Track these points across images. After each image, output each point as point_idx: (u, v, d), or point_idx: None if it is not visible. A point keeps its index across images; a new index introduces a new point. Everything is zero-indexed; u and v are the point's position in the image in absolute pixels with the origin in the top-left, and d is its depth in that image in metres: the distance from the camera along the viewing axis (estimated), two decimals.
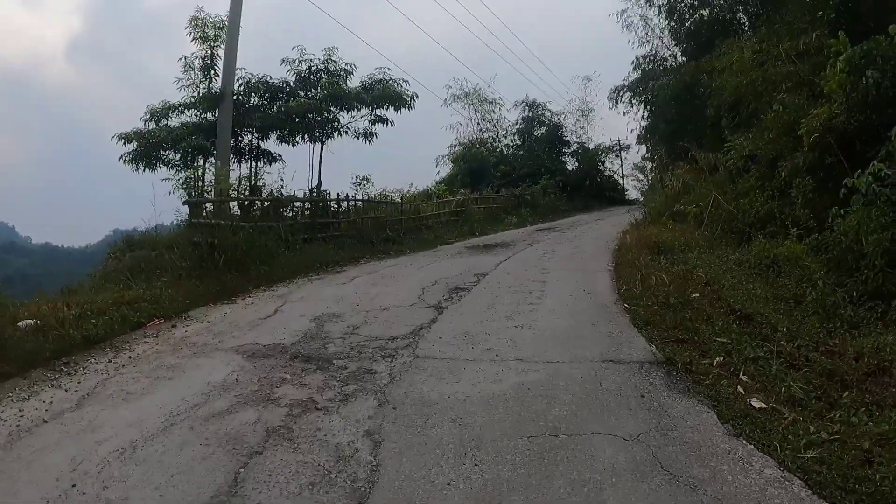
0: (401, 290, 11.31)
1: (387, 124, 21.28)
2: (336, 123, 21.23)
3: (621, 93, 41.05)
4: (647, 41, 39.10)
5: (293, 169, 23.55)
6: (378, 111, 21.13)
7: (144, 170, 19.81)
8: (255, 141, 21.85)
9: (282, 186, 18.97)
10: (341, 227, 19.46)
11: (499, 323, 8.67)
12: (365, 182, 21.59)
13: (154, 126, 20.24)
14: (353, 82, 20.66)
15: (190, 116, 20.68)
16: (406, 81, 20.82)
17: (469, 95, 42.15)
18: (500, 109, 43.06)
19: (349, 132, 21.71)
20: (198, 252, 13.53)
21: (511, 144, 43.04)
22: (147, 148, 19.74)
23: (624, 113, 47.17)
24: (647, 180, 46.47)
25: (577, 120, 45.03)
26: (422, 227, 23.72)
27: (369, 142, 21.61)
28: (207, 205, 15.17)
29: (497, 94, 45.08)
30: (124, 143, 19.57)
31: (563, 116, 44.25)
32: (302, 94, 19.99)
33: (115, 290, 11.50)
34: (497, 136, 42.67)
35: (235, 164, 21.59)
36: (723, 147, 20.09)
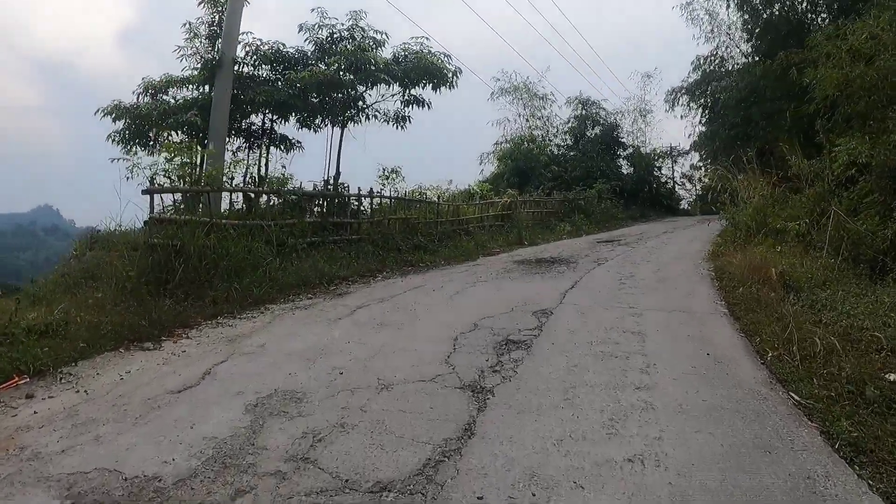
0: (419, 341, 7.00)
1: (423, 106, 16.98)
2: (360, 103, 16.96)
3: (679, 95, 37.86)
4: (713, 37, 35.03)
5: (312, 157, 19.30)
6: (412, 90, 16.79)
7: (135, 151, 15.78)
8: (268, 123, 17.75)
9: (284, 175, 14.83)
10: (361, 228, 15.28)
11: (594, 449, 4.17)
12: (394, 176, 17.28)
13: (148, 101, 16.20)
14: (385, 54, 16.37)
15: (191, 91, 16.66)
16: (448, 56, 16.48)
17: (518, 90, 37.78)
18: (550, 106, 38.66)
19: (378, 115, 17.47)
20: (153, 258, 9.48)
21: (562, 144, 38.64)
22: (139, 126, 15.75)
23: (681, 117, 43.10)
24: (697, 189, 42.66)
25: (635, 120, 40.50)
26: (461, 233, 19.48)
27: (401, 127, 17.39)
28: (169, 196, 10.95)
29: (548, 90, 40.61)
30: (113, 120, 15.59)
31: (619, 116, 39.77)
32: (323, 66, 15.68)
33: (29, 308, 8.22)
34: (547, 135, 38.33)
35: (244, 150, 17.64)
36: (819, 153, 16.97)
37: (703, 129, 38.95)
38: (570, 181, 31.81)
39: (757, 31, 27.16)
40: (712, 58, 36.30)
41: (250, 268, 10.36)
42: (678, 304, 9.12)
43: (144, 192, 10.37)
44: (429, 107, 16.67)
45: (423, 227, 17.46)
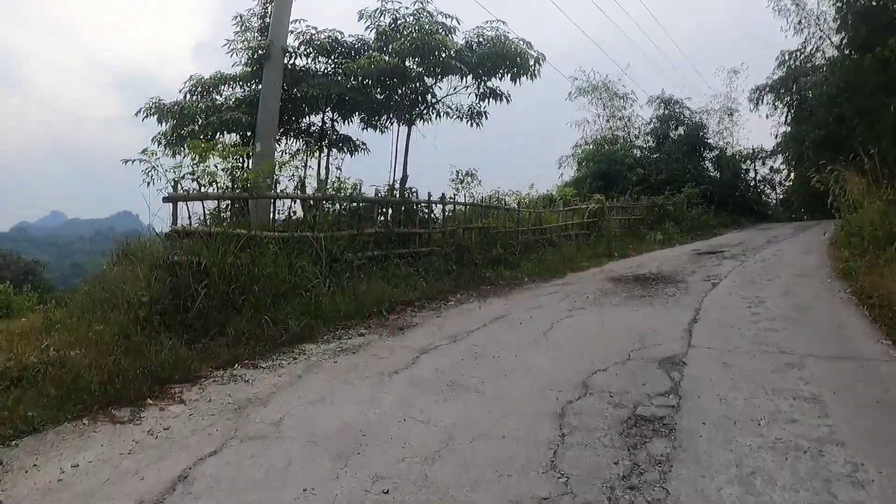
0: (508, 418, 4.61)
1: (500, 100, 14.40)
2: (429, 97, 14.71)
3: (763, 93, 35.05)
4: (802, 29, 31.92)
5: (378, 160, 17.13)
6: (488, 82, 14.36)
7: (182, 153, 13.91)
8: (329, 123, 15.74)
9: (341, 178, 12.66)
10: (431, 239, 13.10)
11: None
12: (469, 179, 14.82)
13: (193, 99, 14.39)
14: (456, 41, 13.98)
15: (242, 89, 14.77)
16: (528, 43, 14.02)
17: (597, 89, 34.81)
18: (631, 106, 35.53)
19: (449, 111, 15.18)
20: (171, 280, 7.47)
21: (644, 146, 35.50)
22: (184, 126, 13.94)
23: (767, 116, 39.54)
24: (778, 193, 39.42)
25: (720, 120, 37.05)
26: (544, 243, 17.08)
27: (476, 124, 14.95)
28: (195, 204, 8.86)
29: (629, 89, 37.60)
30: (158, 121, 13.78)
31: (705, 115, 36.33)
32: (385, 56, 13.45)
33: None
34: (628, 136, 35.30)
35: (302, 153, 15.65)
36: None
37: (788, 129, 36.45)
38: (656, 185, 28.92)
39: (850, 20, 23.66)
40: (798, 52, 33.67)
41: (291, 292, 8.26)
42: (838, 347, 6.46)
43: (166, 199, 8.39)
44: (507, 100, 14.22)
45: (502, 237, 15.14)
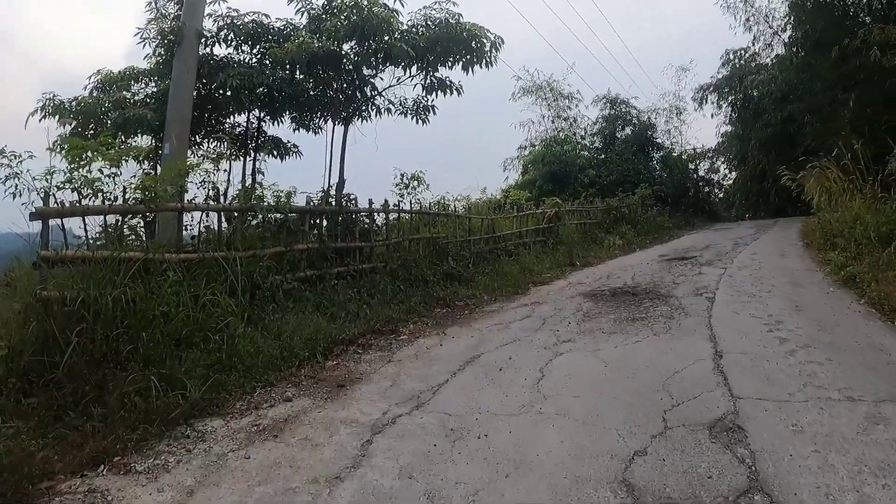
0: None
1: (450, 92, 12.49)
2: (368, 89, 12.83)
3: (706, 92, 34.86)
4: (751, 26, 31.25)
5: (312, 166, 15.09)
6: (436, 72, 12.44)
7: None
8: (256, 122, 13.76)
9: (262, 185, 10.44)
10: (374, 254, 11.25)
11: None
12: (415, 184, 12.71)
13: (97, 96, 12.20)
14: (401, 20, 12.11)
15: (156, 84, 12.62)
16: (484, 28, 12.15)
17: (541, 89, 33.28)
18: (577, 106, 34.11)
19: (392, 106, 13.31)
20: (39, 325, 5.53)
21: (590, 146, 34.25)
22: (86, 127, 11.75)
23: (712, 115, 39.15)
24: (718, 193, 39.16)
25: (668, 119, 36.06)
26: (498, 253, 15.38)
27: (423, 120, 13.04)
28: (67, 221, 6.76)
29: (574, 88, 36.36)
30: (59, 123, 11.46)
31: (653, 114, 35.23)
32: (317, 43, 11.46)
33: None
34: (574, 137, 33.67)
35: (225, 156, 13.62)
36: None
37: (730, 128, 36.69)
38: (608, 186, 27.57)
39: (805, 15, 22.83)
40: (743, 51, 33.46)
41: (196, 336, 6.27)
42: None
43: (33, 216, 6.33)
44: (459, 92, 12.41)
45: (453, 248, 13.37)
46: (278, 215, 9.43)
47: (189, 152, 11.62)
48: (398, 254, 11.61)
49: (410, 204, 12.66)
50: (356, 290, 9.68)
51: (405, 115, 13.09)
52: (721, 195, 39.01)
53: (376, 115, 13.46)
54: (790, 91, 26.97)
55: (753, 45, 30.84)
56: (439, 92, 12.50)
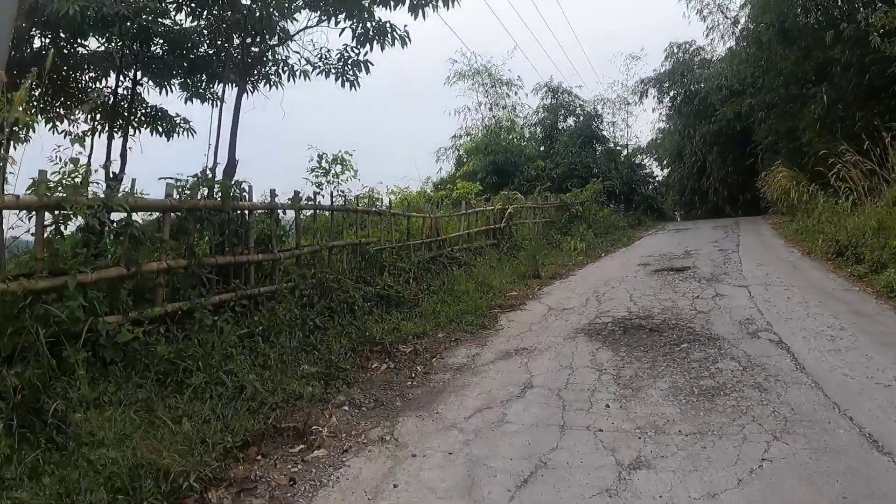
0: None
1: (390, 43, 8.73)
2: (272, 40, 9.11)
3: (647, 86, 32.99)
4: (705, 16, 28.44)
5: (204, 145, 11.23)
6: (370, 19, 8.83)
7: None
8: (128, 86, 9.99)
9: (75, 164, 6.43)
10: (277, 272, 7.62)
11: None
12: (340, 169, 9.30)
13: None
14: None
15: None
16: None
17: (479, 74, 29.89)
18: (516, 94, 31.02)
19: (311, 65, 9.63)
20: None
21: (529, 136, 31.32)
22: None
23: (653, 110, 37.19)
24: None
25: (616, 111, 33.45)
26: (444, 262, 11.91)
27: (352, 84, 9.35)
28: None
29: (514, 74, 33.08)
30: None
31: (600, 104, 32.50)
32: None
33: None
34: (518, 124, 30.75)
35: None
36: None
37: (665, 125, 35.69)
38: (557, 180, 24.44)
39: (771, 1, 20.31)
40: (688, 45, 31.81)
41: None
42: None
43: None
44: (404, 43, 8.75)
45: (388, 257, 9.88)
46: (121, 215, 5.68)
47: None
48: (313, 269, 8.02)
49: (332, 197, 9.01)
50: (249, 329, 6.13)
51: (327, 76, 9.43)
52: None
53: (289, 78, 9.81)
54: (741, 86, 25.30)
55: (708, 35, 28.35)
56: (376, 43, 8.86)
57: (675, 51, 31.98)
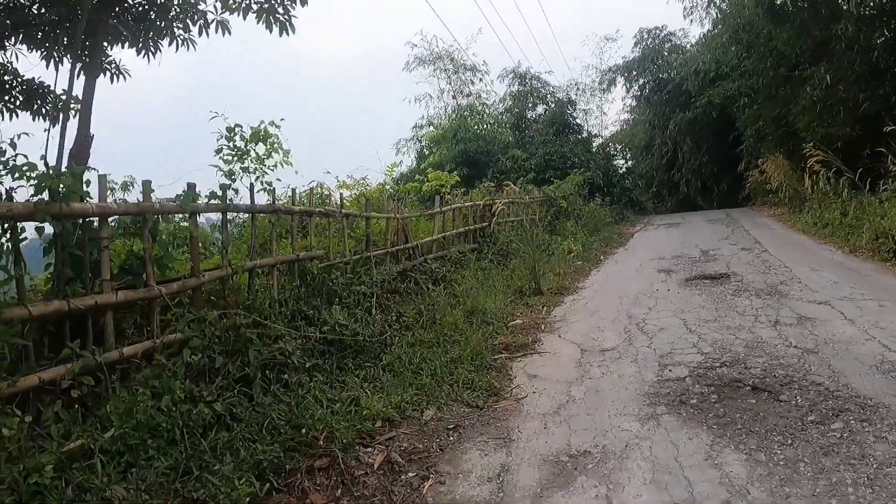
0: None
1: None
2: None
3: (616, 74, 31.01)
4: None
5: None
6: None
7: None
8: None
9: None
10: (154, 318, 4.48)
11: None
12: (265, 150, 5.88)
13: None
14: None
15: None
16: None
17: (441, 58, 26.93)
18: (481, 80, 28.01)
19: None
20: None
21: (502, 122, 27.81)
22: None
23: (622, 99, 35.14)
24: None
25: (590, 97, 30.91)
26: (416, 276, 8.85)
27: (283, 27, 6.20)
28: None
29: (479, 59, 30.03)
30: None
31: (573, 90, 29.79)
32: None
33: None
34: (490, 108, 27.69)
35: None
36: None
37: (630, 116, 34.54)
38: (534, 172, 21.48)
39: None
40: (658, 30, 29.92)
41: None
42: None
43: None
44: None
45: (340, 278, 6.76)
46: None
47: None
48: (221, 310, 4.92)
49: (252, 192, 5.81)
50: (79, 444, 3.13)
51: (244, 15, 6.30)
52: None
53: (200, 32, 6.71)
54: (722, 70, 23.55)
55: (687, 17, 25.73)
56: None
57: (645, 37, 29.92)
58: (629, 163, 34.18)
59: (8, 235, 3.65)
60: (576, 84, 29.92)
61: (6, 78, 8.07)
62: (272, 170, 5.93)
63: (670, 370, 5.25)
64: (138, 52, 7.25)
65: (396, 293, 7.98)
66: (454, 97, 27.53)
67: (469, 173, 19.19)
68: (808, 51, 17.21)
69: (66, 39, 6.96)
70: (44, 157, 4.36)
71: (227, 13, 6.67)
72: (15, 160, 3.87)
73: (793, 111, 18.21)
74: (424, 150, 24.95)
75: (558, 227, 15.63)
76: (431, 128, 25.95)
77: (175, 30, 7.26)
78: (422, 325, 6.75)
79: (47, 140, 5.18)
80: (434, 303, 7.57)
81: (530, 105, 28.77)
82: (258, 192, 5.78)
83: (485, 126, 23.23)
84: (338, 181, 8.88)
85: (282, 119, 5.74)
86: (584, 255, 13.14)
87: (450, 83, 27.50)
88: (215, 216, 5.53)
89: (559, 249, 13.16)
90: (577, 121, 28.98)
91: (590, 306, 8.33)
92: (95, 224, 4.21)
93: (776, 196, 19.62)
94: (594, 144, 29.89)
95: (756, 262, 10.72)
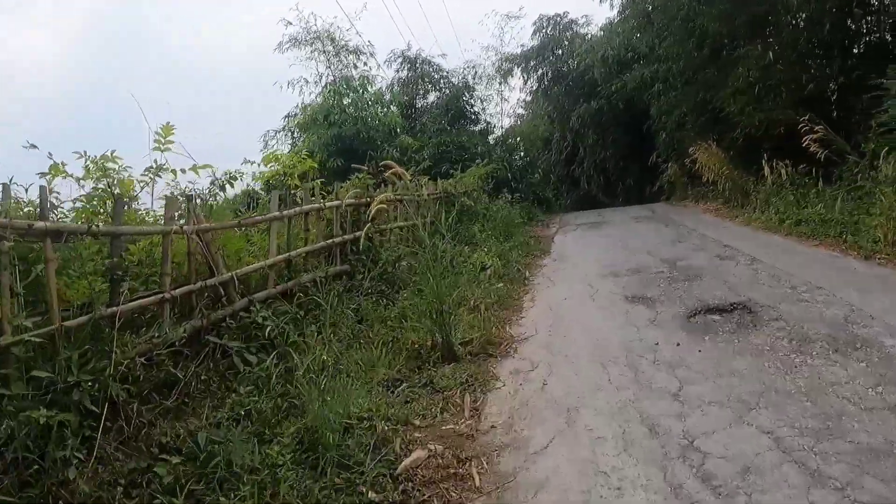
0: None
1: None
2: None
3: (513, 64, 27.64)
4: None
5: None
6: None
7: None
8: None
9: None
10: None
11: None
12: None
13: None
14: None
15: None
16: None
17: (320, 39, 22.16)
18: (366, 64, 23.19)
19: None
20: None
21: (381, 104, 23.54)
22: None
23: (519, 89, 32.13)
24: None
25: (489, 83, 27.15)
26: (227, 343, 4.57)
27: None
28: None
29: (362, 40, 25.40)
30: None
31: (471, 74, 25.81)
32: None
33: None
34: (364, 84, 22.60)
35: None
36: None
37: (525, 112, 32.16)
38: (426, 164, 17.39)
39: None
40: (559, 17, 26.80)
41: None
42: None
43: None
44: None
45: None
46: None
47: None
48: None
49: None
50: None
51: None
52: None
53: None
54: (633, 55, 21.62)
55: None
56: None
57: (545, 24, 26.76)
58: (527, 158, 30.87)
59: None
60: (473, 67, 25.91)
61: None
62: None
63: None
64: None
65: (166, 387, 3.70)
66: (335, 81, 22.94)
67: (344, 165, 14.68)
68: (743, 27, 14.82)
69: None
70: None
71: None
72: None
73: (721, 95, 15.53)
74: (299, 134, 20.25)
75: (463, 233, 11.59)
76: (324, 95, 21.04)
77: None
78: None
79: None
80: (257, 410, 3.43)
81: (421, 93, 24.69)
82: None
83: (366, 106, 18.67)
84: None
85: None
86: (504, 271, 9.17)
87: (329, 67, 22.84)
88: None
89: (469, 265, 9.15)
90: (475, 108, 25.08)
91: (554, 394, 4.33)
92: None
93: (709, 188, 16.62)
94: (494, 136, 26.01)
95: (763, 278, 7.18)
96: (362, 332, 5.62)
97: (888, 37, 13.77)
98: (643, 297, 6.79)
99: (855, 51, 14.05)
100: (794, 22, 14.12)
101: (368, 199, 7.96)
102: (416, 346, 5.22)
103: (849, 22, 13.60)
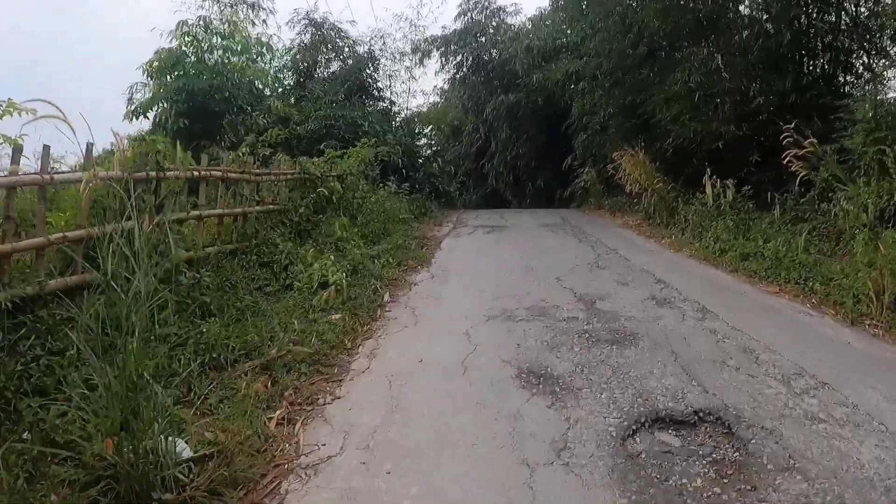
0: None
1: None
2: None
3: (432, 46, 24.85)
4: None
5: None
6: None
7: None
8: None
9: None
10: None
11: None
12: None
13: None
14: None
15: None
16: None
17: None
18: (264, 22, 19.42)
19: None
20: None
21: (281, 83, 20.49)
22: None
23: (436, 73, 30.78)
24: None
25: (399, 58, 23.83)
26: None
27: None
28: None
29: None
30: None
31: (378, 44, 22.36)
32: None
33: None
34: (235, 29, 18.70)
35: None
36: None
37: (440, 99, 30.08)
38: (305, 140, 14.20)
39: None
40: (486, 2, 24.50)
41: None
42: None
43: None
44: None
45: None
46: None
47: None
48: None
49: None
50: None
51: None
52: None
53: None
54: (556, 48, 20.30)
55: None
56: None
57: (471, 8, 24.32)
58: (435, 147, 28.07)
59: None
60: (382, 37, 22.56)
61: None
62: None
63: None
64: None
65: None
66: (224, 40, 19.16)
67: (193, 128, 11.20)
68: (688, 27, 13.00)
69: None
70: None
71: None
72: None
73: (654, 100, 13.55)
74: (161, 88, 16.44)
75: (320, 226, 8.57)
76: (174, 42, 17.09)
77: None
78: None
79: None
80: None
81: (322, 62, 21.29)
82: None
83: (229, 56, 14.98)
84: None
85: None
86: (354, 292, 6.22)
87: (222, 20, 19.07)
88: None
89: (301, 279, 6.17)
90: (379, 84, 21.90)
91: None
92: None
93: (630, 200, 14.55)
94: (398, 118, 22.83)
95: (730, 351, 4.74)
96: None
97: (853, 59, 12.27)
98: (547, 377, 4.03)
99: (811, 68, 12.47)
100: (750, 28, 12.32)
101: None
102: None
103: (811, 36, 12.05)
